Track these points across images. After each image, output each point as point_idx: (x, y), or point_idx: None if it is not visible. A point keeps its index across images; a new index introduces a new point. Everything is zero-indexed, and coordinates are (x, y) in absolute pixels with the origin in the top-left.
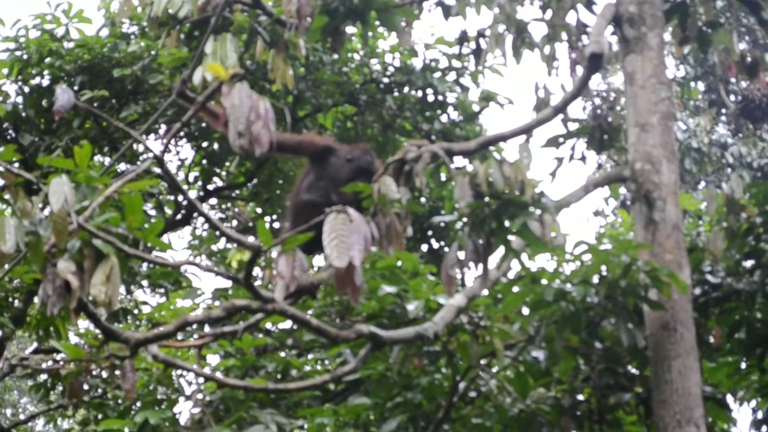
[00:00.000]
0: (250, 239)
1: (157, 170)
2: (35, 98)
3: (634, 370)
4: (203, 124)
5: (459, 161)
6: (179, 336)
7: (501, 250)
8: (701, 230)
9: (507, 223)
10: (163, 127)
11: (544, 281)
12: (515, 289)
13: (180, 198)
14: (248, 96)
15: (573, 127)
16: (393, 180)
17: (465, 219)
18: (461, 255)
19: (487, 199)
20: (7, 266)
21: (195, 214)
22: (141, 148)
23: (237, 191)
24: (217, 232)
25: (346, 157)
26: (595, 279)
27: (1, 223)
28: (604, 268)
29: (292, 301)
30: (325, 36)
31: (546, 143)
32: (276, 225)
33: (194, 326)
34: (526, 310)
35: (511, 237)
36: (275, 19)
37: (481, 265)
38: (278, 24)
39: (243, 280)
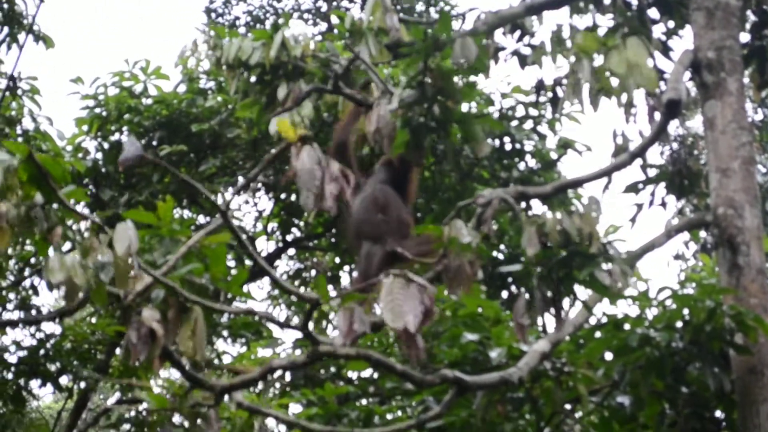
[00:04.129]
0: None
1: (237, 222)
2: (114, 154)
3: (721, 415)
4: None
5: (537, 207)
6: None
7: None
8: None
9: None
10: (240, 179)
11: (627, 327)
12: (598, 334)
13: (259, 249)
14: (317, 159)
15: (652, 172)
16: (463, 224)
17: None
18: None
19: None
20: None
21: (275, 265)
22: (219, 200)
23: (316, 241)
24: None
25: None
26: (679, 324)
27: (70, 260)
28: (687, 312)
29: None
30: (409, 151)
31: (626, 189)
32: (355, 274)
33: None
34: (609, 356)
35: (580, 286)
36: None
37: (553, 313)
38: (359, 104)
39: (300, 328)
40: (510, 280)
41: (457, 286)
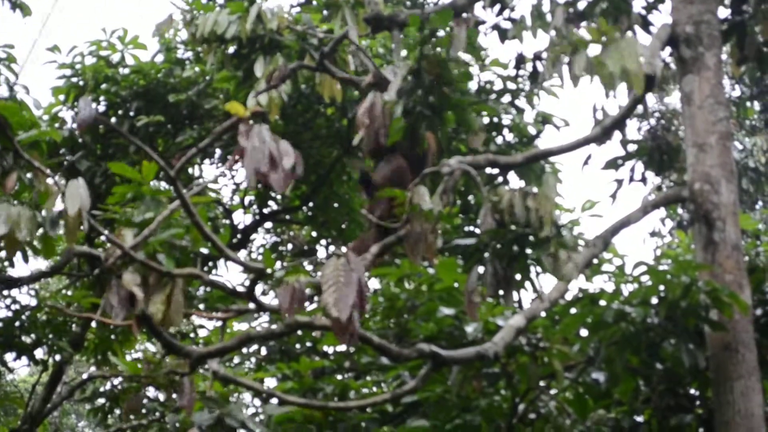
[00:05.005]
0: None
1: (213, 194)
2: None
3: (695, 392)
4: None
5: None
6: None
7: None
8: (760, 250)
9: (527, 251)
10: (218, 152)
11: (602, 302)
12: (573, 310)
13: (236, 222)
14: (268, 139)
15: (632, 148)
16: (426, 190)
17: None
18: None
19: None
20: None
21: (251, 238)
22: (196, 172)
23: (292, 215)
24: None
25: None
26: (654, 300)
27: (15, 213)
28: (662, 288)
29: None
30: (404, 136)
31: (605, 165)
32: (332, 248)
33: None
34: (584, 332)
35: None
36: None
37: (504, 290)
38: (347, 83)
39: (245, 294)
40: (486, 255)
41: (418, 252)
